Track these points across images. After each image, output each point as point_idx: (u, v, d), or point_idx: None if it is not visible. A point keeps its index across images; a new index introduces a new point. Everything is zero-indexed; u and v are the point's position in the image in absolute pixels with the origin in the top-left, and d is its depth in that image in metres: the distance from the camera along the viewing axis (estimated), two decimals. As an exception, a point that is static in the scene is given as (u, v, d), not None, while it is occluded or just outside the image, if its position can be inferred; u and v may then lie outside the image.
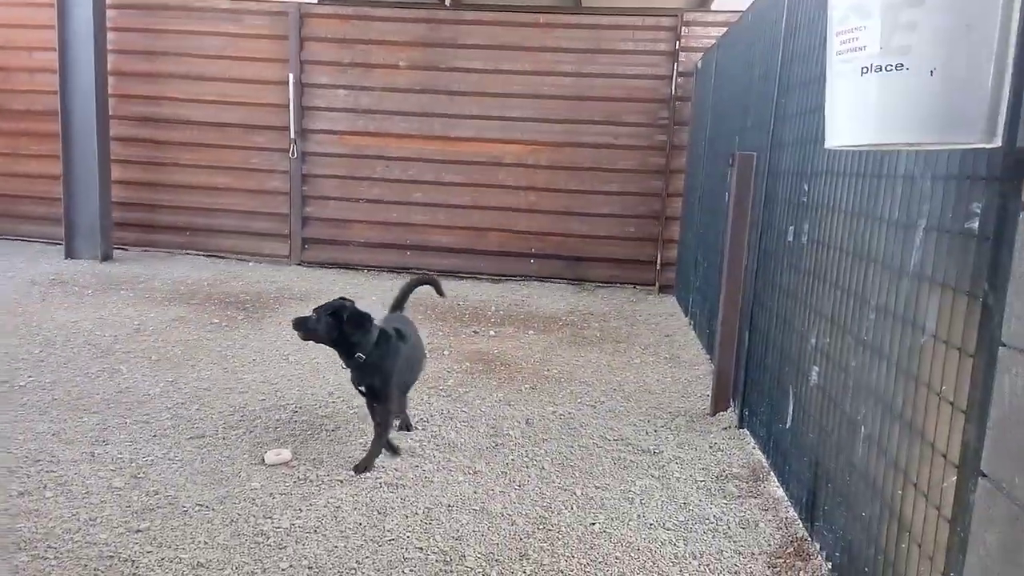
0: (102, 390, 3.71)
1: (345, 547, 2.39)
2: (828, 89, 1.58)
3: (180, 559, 2.25)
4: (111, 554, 2.25)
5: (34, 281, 6.10)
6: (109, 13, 7.21)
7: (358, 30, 7.47)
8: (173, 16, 7.62)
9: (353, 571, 2.25)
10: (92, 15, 6.89)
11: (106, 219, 7.27)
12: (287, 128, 7.53)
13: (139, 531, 2.40)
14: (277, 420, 3.46)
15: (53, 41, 7.03)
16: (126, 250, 7.67)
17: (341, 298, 3.04)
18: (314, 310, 2.97)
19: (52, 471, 2.80)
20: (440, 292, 3.67)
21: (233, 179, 7.81)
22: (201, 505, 2.60)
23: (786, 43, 3.38)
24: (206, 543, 2.36)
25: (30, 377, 3.81)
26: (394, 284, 6.80)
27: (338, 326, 2.91)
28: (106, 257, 7.24)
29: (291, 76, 7.39)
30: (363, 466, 2.95)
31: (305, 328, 2.94)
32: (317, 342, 3.00)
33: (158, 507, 2.57)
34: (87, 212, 7.18)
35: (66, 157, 7.10)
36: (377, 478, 2.89)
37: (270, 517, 2.55)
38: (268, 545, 2.37)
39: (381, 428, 3.03)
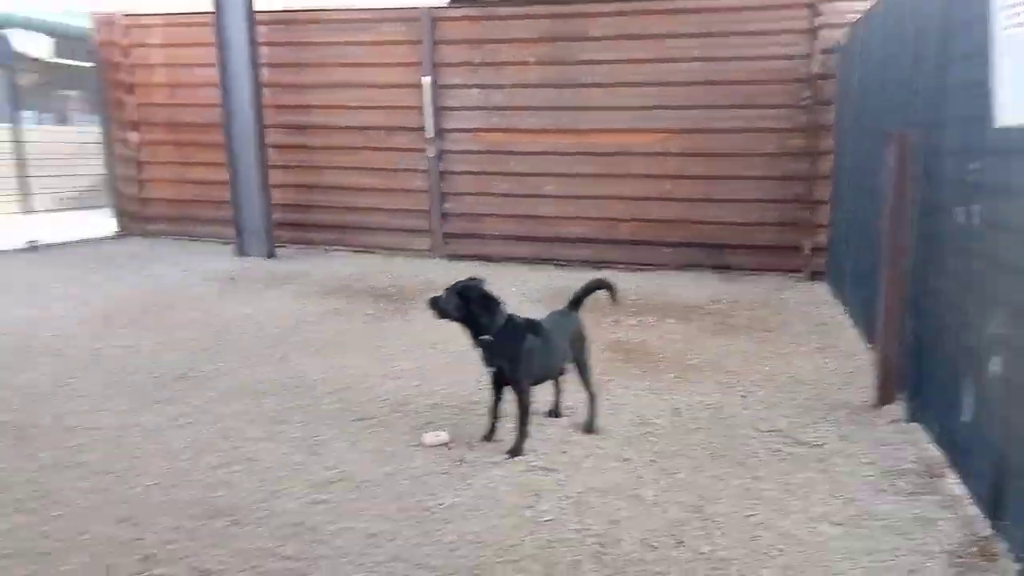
0: (276, 376, 4.04)
1: (504, 525, 2.48)
2: (995, 65, 1.48)
3: (355, 529, 2.43)
4: (296, 522, 2.46)
5: (211, 277, 6.70)
6: (260, 29, 7.77)
7: (487, 30, 7.65)
8: (316, 28, 8.13)
9: (514, 547, 2.35)
10: (245, 30, 7.43)
11: (268, 220, 7.86)
12: (424, 129, 7.84)
13: (320, 502, 2.61)
14: (430, 405, 3.63)
15: (213, 57, 7.66)
16: (286, 247, 8.25)
17: (471, 277, 3.16)
18: (445, 289, 3.10)
19: (240, 447, 3.09)
20: (614, 298, 3.54)
21: (378, 179, 8.23)
22: (370, 481, 2.79)
23: (945, 14, 3.15)
24: (378, 515, 2.53)
25: (214, 365, 4.21)
26: (531, 276, 6.99)
27: (466, 305, 3.03)
28: (271, 255, 7.83)
29: (426, 79, 7.67)
30: (515, 450, 3.05)
31: (437, 306, 3.07)
32: (449, 320, 3.10)
33: (334, 481, 2.78)
34: (252, 214, 7.79)
35: (231, 164, 7.74)
36: (530, 462, 2.98)
37: (432, 494, 2.70)
38: (432, 520, 2.51)
39: (520, 413, 3.09)
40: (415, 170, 8.04)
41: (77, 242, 8.63)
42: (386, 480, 2.81)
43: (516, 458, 3.01)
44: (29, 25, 12.85)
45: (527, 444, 3.07)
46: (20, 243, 7.99)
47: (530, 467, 2.95)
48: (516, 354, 3.07)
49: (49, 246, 8.24)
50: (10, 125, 7.97)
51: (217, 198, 8.38)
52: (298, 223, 8.53)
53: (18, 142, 8.00)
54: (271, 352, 4.50)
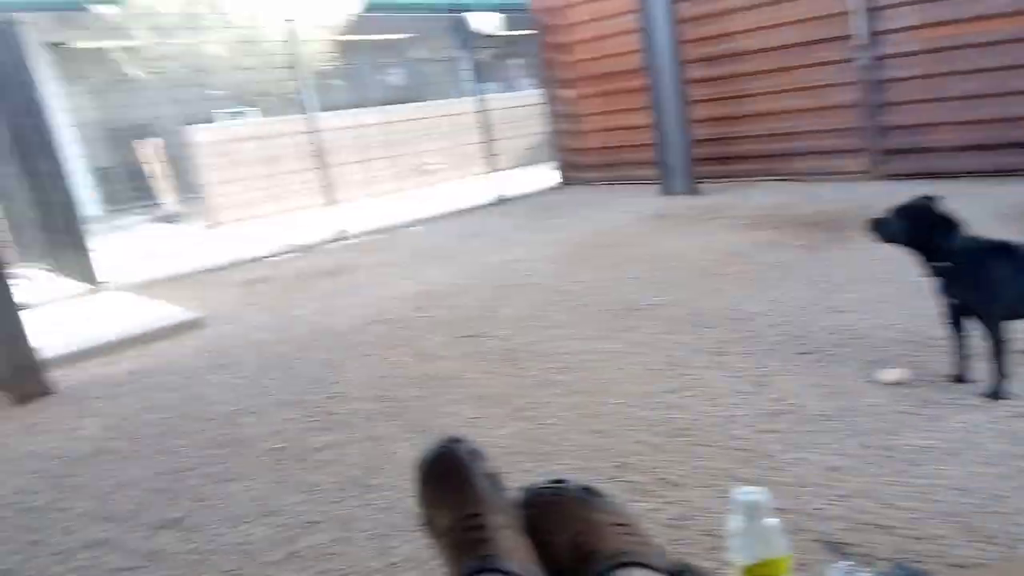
0: (713, 307, 4.19)
1: (989, 473, 2.24)
2: None
3: (811, 460, 2.44)
4: (750, 448, 2.57)
5: (644, 217, 7.15)
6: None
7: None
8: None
9: (1004, 498, 2.11)
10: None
11: (689, 157, 8.03)
12: (849, 37, 7.09)
13: (770, 431, 2.67)
14: (883, 339, 3.39)
15: (633, 2, 7.96)
16: (708, 183, 8.34)
17: (924, 196, 2.75)
18: (887, 210, 2.77)
19: (687, 374, 3.30)
20: None
21: (801, 100, 7.76)
22: (823, 415, 2.75)
23: None
24: (835, 449, 2.49)
25: (657, 297, 4.52)
26: (998, 192, 5.92)
27: (914, 226, 2.69)
28: (694, 191, 8.01)
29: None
30: (995, 392, 2.69)
31: (879, 229, 2.78)
32: (894, 244, 2.78)
33: (784, 412, 2.81)
34: (675, 153, 8.03)
35: (654, 106, 8.05)
36: (1015, 407, 2.61)
37: (895, 434, 2.55)
38: (899, 460, 2.38)
39: (995, 350, 2.67)
40: (842, 83, 7.37)
41: (529, 194, 9.95)
42: (840, 415, 2.73)
43: (997, 401, 2.66)
44: (480, 6, 14.97)
45: (1011, 386, 2.68)
46: (491, 198, 9.53)
47: (1016, 412, 2.58)
48: (982, 282, 2.65)
49: (510, 199, 9.66)
50: (476, 97, 9.44)
51: (642, 142, 8.83)
52: (720, 156, 8.53)
53: (483, 111, 9.43)
54: (707, 285, 4.66)
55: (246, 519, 2.47)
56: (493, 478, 1.33)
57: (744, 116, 8.28)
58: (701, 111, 8.33)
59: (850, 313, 3.79)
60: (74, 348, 4.57)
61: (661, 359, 3.52)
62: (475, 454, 1.35)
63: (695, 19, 8.23)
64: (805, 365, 3.24)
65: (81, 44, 8.43)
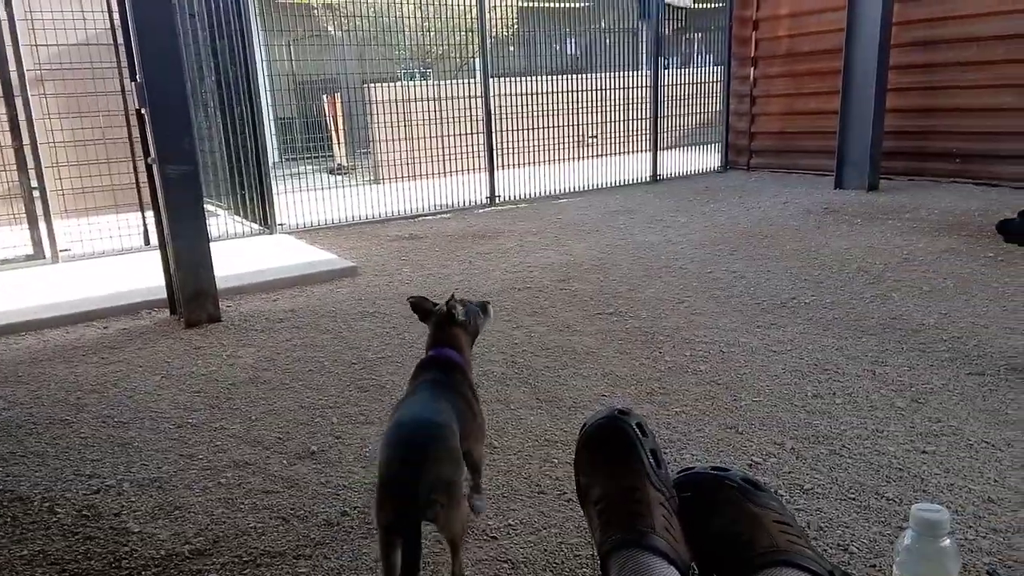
0: (877, 314, 3.87)
1: None
2: None
3: (970, 489, 2.20)
4: (900, 467, 2.36)
5: (809, 210, 6.72)
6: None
7: None
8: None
9: None
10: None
11: (876, 149, 7.43)
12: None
13: (924, 452, 2.44)
14: (1077, 372, 2.99)
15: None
16: (892, 179, 7.69)
17: None
18: (1020, 213, 2.83)
19: (838, 380, 3.08)
20: None
21: (1016, 97, 6.92)
22: (987, 443, 2.47)
23: None
24: (995, 481, 2.24)
25: (812, 296, 4.25)
26: None
27: None
28: (872, 187, 7.42)
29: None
30: None
31: (1004, 229, 2.93)
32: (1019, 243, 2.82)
33: (941, 434, 2.56)
34: (858, 143, 7.46)
35: (845, 91, 7.50)
36: None
37: (1074, 477, 2.25)
38: (1075, 507, 2.11)
39: None
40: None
41: (691, 175, 9.64)
42: (1007, 446, 2.45)
43: None
44: None
45: None
46: (650, 175, 9.33)
47: None
48: None
49: (670, 178, 9.40)
50: (652, 71, 9.22)
51: (821, 128, 8.27)
52: (912, 152, 7.84)
53: (657, 86, 9.20)
54: (872, 289, 4.31)
55: (376, 461, 2.59)
56: (656, 455, 1.32)
57: (945, 109, 7.53)
58: (896, 100, 7.66)
59: (1038, 337, 3.38)
60: (243, 282, 4.97)
61: (809, 361, 3.31)
62: (642, 428, 1.34)
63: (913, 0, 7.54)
64: (974, 388, 2.93)
65: (287, -1, 9.10)
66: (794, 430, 2.66)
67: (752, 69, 9.46)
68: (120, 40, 4.42)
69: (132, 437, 2.86)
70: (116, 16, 4.23)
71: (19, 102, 5.66)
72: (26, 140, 5.72)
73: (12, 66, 5.61)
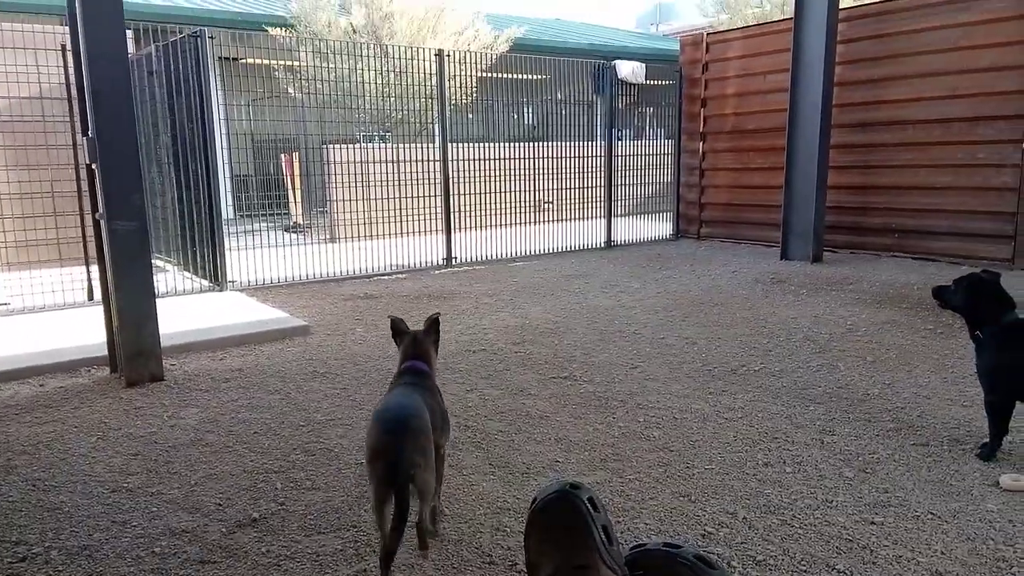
0: (823, 383, 3.95)
1: None
2: None
3: (918, 561, 2.22)
4: (849, 538, 2.37)
5: (757, 279, 6.90)
6: (840, 27, 7.64)
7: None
8: (902, 18, 7.58)
9: None
10: (825, 32, 7.40)
11: (820, 223, 7.73)
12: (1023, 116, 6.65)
13: (873, 523, 2.46)
14: (1013, 441, 3.08)
15: (787, 62, 7.81)
16: (835, 252, 7.98)
17: (984, 270, 3.07)
18: (954, 280, 3.07)
19: (788, 449, 3.11)
20: None
21: (952, 177, 7.35)
22: (933, 514, 2.51)
23: None
24: (942, 553, 2.26)
25: (761, 364, 4.33)
26: None
27: (968, 297, 3.00)
28: (816, 258, 7.68)
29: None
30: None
31: (940, 296, 3.15)
32: (951, 309, 3.13)
33: (888, 505, 2.59)
34: (803, 217, 7.75)
35: (789, 168, 7.83)
36: None
37: (1012, 544, 2.29)
38: (1012, 572, 2.14)
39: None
40: (1003, 165, 6.92)
41: (643, 242, 9.85)
42: (952, 517, 2.49)
43: None
44: (627, 54, 15.14)
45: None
46: (604, 242, 9.50)
47: None
48: (994, 362, 2.92)
49: (623, 245, 9.59)
50: (605, 142, 9.50)
51: (767, 202, 8.58)
52: (851, 226, 8.18)
53: (610, 156, 9.47)
54: (818, 358, 4.41)
55: (322, 529, 2.50)
56: (607, 531, 1.29)
57: (884, 187, 7.91)
58: (838, 177, 8.02)
59: (976, 408, 3.47)
60: (189, 340, 4.84)
61: (759, 429, 3.34)
62: (593, 503, 1.31)
63: (851, 84, 7.98)
64: (919, 458, 2.99)
65: (249, 60, 9.15)
66: (746, 499, 2.66)
67: (701, 143, 9.82)
68: (74, 95, 4.38)
69: (63, 502, 2.71)
70: (71, 73, 4.20)
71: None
72: (-31, 190, 5.56)
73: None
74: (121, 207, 3.98)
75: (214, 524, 2.54)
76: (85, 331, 4.97)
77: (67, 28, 4.08)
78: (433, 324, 2.72)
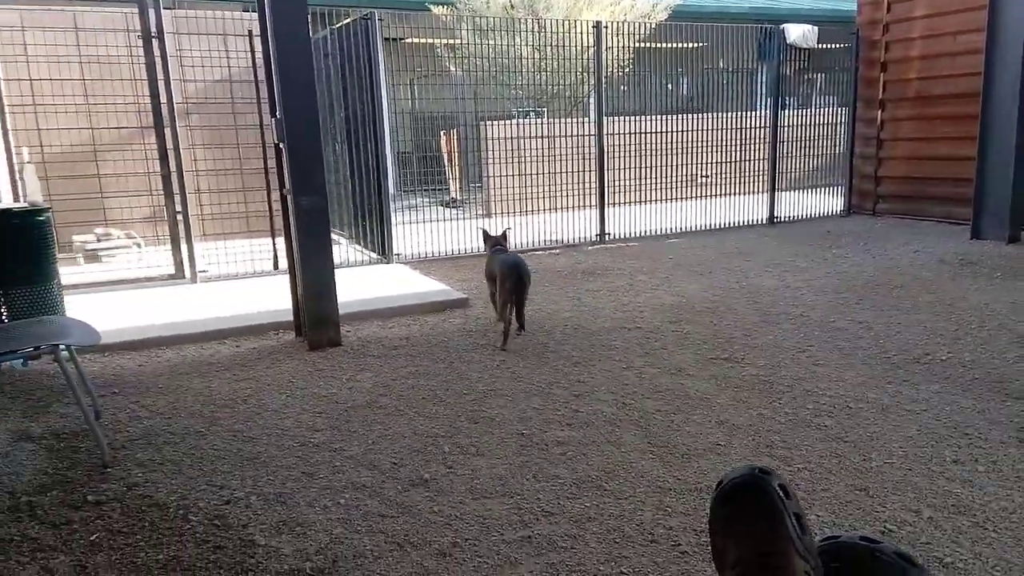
0: (1023, 377, 3.58)
1: None
2: None
3: None
4: (1054, 549, 2.16)
5: (942, 260, 6.33)
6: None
7: None
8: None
9: None
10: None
11: (1019, 199, 6.94)
12: None
13: (1085, 536, 2.22)
14: None
15: (980, 22, 7.05)
16: (1035, 231, 7.15)
17: None
18: None
19: (980, 447, 2.86)
20: None
21: None
22: None
23: None
24: None
25: (949, 353, 3.98)
26: None
27: None
28: (1013, 239, 6.92)
29: None
30: None
31: None
32: None
33: (1105, 517, 2.32)
34: (998, 192, 7.01)
35: (983, 137, 7.08)
36: None
37: None
38: None
39: None
40: None
41: (811, 218, 9.30)
42: None
43: None
44: (796, 16, 14.26)
45: None
46: (767, 217, 9.08)
47: None
48: None
49: (789, 221, 9.11)
50: (771, 111, 9.03)
51: (955, 175, 7.83)
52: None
53: (776, 127, 9.00)
54: (1017, 348, 3.99)
55: (487, 494, 2.61)
56: (800, 519, 1.26)
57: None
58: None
59: None
60: (362, 308, 5.16)
61: (947, 423, 3.09)
62: (785, 490, 1.29)
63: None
64: None
65: (412, 40, 9.52)
66: (932, 497, 2.48)
67: (879, 111, 9.08)
68: (261, 77, 4.75)
69: (259, 452, 3.00)
70: (259, 57, 4.56)
71: (168, 132, 6.15)
72: (173, 168, 6.19)
73: (163, 99, 6.11)
74: (305, 184, 4.29)
75: (390, 482, 2.72)
76: (272, 298, 5.42)
77: (254, 14, 4.40)
78: (503, 235, 5.00)
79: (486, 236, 4.98)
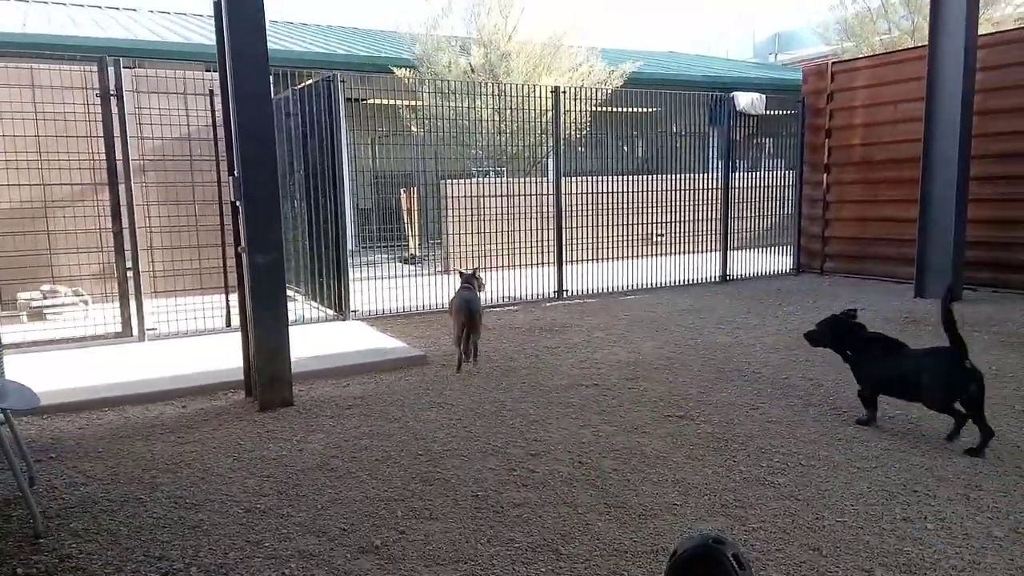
0: (968, 434, 3.65)
1: None
2: None
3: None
4: (1003, 607, 2.17)
5: (888, 318, 6.51)
6: (979, 53, 7.24)
7: None
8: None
9: None
10: (962, 60, 7.00)
11: (959, 258, 7.23)
12: None
13: (1031, 593, 2.25)
14: None
15: (919, 91, 7.44)
16: (975, 290, 7.43)
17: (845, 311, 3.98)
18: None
19: (929, 504, 2.90)
20: None
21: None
22: (1104, 587, 2.26)
23: None
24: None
25: (897, 410, 4.05)
26: None
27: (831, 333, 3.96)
28: (955, 298, 7.15)
29: None
30: None
31: (809, 338, 4.06)
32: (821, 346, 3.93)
33: (1050, 573, 2.36)
34: (939, 252, 7.28)
35: (924, 200, 7.40)
36: None
37: None
38: None
39: None
40: None
41: (761, 277, 9.52)
42: None
43: None
44: (745, 85, 14.85)
45: None
46: (719, 276, 9.26)
47: None
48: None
49: (739, 279, 9.30)
50: (720, 174, 9.31)
51: (898, 236, 8.13)
52: (995, 262, 7.58)
53: (726, 188, 9.27)
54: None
55: (440, 561, 2.54)
56: None
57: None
58: (977, 211, 7.50)
59: None
60: (314, 367, 5.08)
61: (896, 481, 3.13)
62: (739, 560, 1.27)
63: (991, 113, 7.49)
64: (1084, 521, 2.70)
65: (374, 100, 9.65)
66: (883, 556, 2.49)
67: (825, 175, 9.44)
68: (221, 136, 4.74)
69: (202, 520, 2.88)
70: (220, 116, 4.56)
71: (122, 189, 6.07)
72: (125, 224, 6.09)
73: (119, 156, 6.05)
74: (262, 240, 4.26)
75: (339, 549, 2.63)
76: (223, 357, 5.30)
77: (214, 74, 4.42)
78: (474, 272, 5.58)
79: (460, 274, 5.64)
